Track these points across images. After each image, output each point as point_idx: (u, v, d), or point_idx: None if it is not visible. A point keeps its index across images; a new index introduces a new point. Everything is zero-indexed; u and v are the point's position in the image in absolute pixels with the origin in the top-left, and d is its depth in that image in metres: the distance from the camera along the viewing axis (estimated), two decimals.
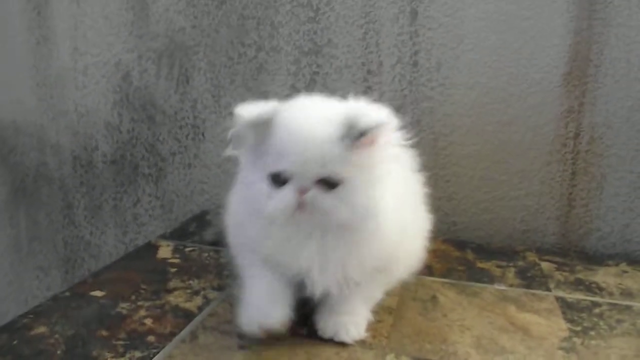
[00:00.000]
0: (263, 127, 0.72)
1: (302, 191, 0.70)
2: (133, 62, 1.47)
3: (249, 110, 0.72)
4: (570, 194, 1.24)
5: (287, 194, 0.70)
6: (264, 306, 0.78)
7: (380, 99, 1.27)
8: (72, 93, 1.56)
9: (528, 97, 1.22)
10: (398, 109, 1.26)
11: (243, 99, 1.34)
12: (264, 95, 1.34)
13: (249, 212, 0.77)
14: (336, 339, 0.80)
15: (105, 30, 1.49)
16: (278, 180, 0.71)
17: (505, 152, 1.25)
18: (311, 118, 0.71)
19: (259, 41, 1.35)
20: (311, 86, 1.32)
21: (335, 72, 1.30)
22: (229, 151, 0.79)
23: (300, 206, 0.70)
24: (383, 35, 1.27)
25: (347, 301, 0.81)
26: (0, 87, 1.66)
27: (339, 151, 0.69)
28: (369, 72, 1.29)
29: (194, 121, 1.43)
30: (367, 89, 1.29)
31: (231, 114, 1.29)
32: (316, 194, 0.70)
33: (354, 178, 0.71)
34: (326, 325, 0.81)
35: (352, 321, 0.81)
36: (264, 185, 0.72)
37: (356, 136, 0.69)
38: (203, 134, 1.43)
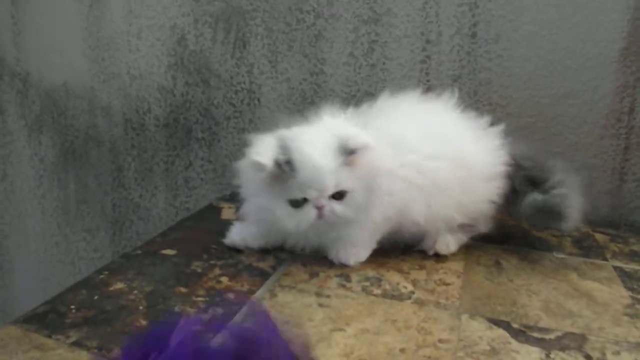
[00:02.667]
0: (284, 167, 0.88)
1: (320, 207, 0.90)
2: (189, 25, 1.48)
3: (266, 157, 0.88)
4: (622, 168, 1.26)
5: (307, 212, 0.90)
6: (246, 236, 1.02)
7: (438, 69, 1.29)
8: (124, 56, 1.58)
9: (585, 71, 1.23)
10: (455, 80, 1.29)
11: (300, 65, 1.37)
12: (321, 62, 1.36)
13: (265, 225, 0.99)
14: None
15: None
16: (298, 202, 0.90)
17: (560, 125, 1.26)
18: (321, 152, 0.89)
19: (317, 8, 1.36)
20: (369, 54, 1.33)
21: (394, 41, 1.31)
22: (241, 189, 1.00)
23: (319, 217, 0.90)
24: (443, 5, 1.27)
25: None
26: (51, 50, 1.68)
27: (341, 171, 0.89)
28: (427, 41, 1.30)
29: (249, 86, 1.45)
30: (426, 59, 1.30)
31: (288, 79, 1.31)
32: (331, 206, 0.90)
33: (355, 188, 0.91)
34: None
35: None
36: (285, 209, 0.91)
37: (347, 155, 0.89)
38: (259, 100, 1.45)
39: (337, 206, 0.90)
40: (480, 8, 1.26)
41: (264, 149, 0.89)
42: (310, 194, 0.89)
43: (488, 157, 1.02)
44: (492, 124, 1.05)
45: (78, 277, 1.76)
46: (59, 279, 1.84)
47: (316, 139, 0.90)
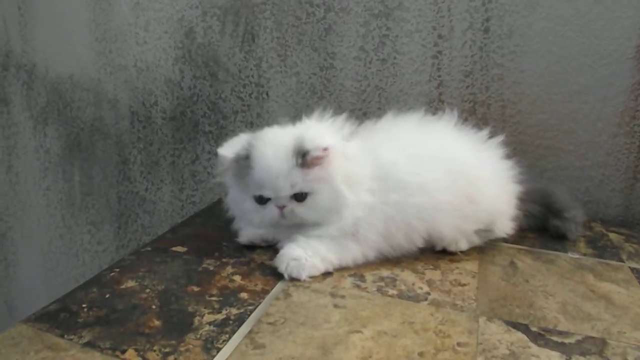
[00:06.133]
0: (242, 162, 0.93)
1: (281, 207, 0.92)
2: (197, 18, 1.46)
3: (229, 151, 0.94)
4: (637, 166, 1.25)
5: (270, 210, 0.93)
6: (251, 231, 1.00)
7: (450, 64, 1.27)
8: (132, 48, 1.56)
9: (599, 68, 1.22)
10: (467, 75, 1.27)
11: (310, 59, 1.35)
12: (331, 56, 1.35)
13: (242, 218, 1.01)
14: None
15: None
16: (261, 199, 0.93)
17: (573, 122, 1.25)
18: (276, 153, 0.91)
19: (328, 1, 1.34)
20: (380, 49, 1.32)
21: (406, 35, 1.30)
22: (218, 179, 1.02)
23: (281, 216, 0.93)
24: (455, 0, 1.26)
25: None
26: (58, 42, 1.66)
27: (299, 173, 0.90)
28: (439, 36, 1.28)
29: (258, 80, 1.44)
30: (437, 54, 1.28)
31: (297, 73, 1.30)
32: (291, 207, 0.92)
33: (317, 190, 0.92)
34: None
35: None
36: (251, 204, 0.95)
37: (302, 157, 0.90)
38: (267, 93, 1.44)
39: (298, 207, 0.92)
40: (493, 3, 1.24)
41: (232, 144, 0.96)
42: (268, 194, 0.92)
43: (489, 166, 1.02)
44: (491, 136, 1.07)
45: (82, 270, 1.77)
46: (63, 271, 1.83)
47: (276, 140, 0.94)
